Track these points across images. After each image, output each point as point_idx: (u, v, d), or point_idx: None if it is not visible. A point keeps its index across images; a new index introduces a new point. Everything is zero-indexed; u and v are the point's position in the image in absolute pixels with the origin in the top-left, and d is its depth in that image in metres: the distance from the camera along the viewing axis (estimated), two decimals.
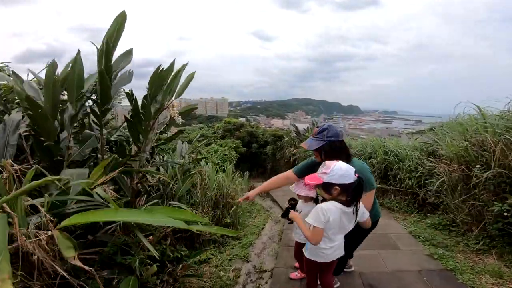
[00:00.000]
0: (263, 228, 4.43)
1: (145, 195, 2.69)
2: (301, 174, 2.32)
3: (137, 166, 2.85)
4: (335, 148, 2.11)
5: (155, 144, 3.52)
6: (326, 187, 1.82)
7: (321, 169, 1.84)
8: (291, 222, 2.24)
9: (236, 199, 4.88)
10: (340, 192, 1.80)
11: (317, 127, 2.19)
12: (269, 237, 4.03)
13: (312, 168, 2.19)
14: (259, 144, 12.76)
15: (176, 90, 2.94)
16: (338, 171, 1.77)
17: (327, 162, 1.83)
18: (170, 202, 2.19)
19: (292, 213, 2.10)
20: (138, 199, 2.56)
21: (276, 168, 10.92)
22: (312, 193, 2.28)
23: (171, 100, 2.91)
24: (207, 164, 5.01)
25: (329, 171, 1.78)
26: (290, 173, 2.41)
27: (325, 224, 1.81)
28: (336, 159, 1.89)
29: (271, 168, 11.63)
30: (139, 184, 2.62)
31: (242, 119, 20.21)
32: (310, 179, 1.90)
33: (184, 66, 3.35)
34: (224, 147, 10.87)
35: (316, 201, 2.33)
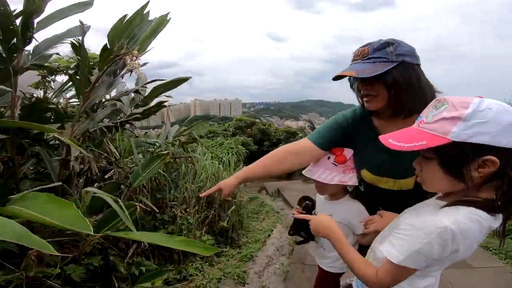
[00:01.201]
0: (269, 235, 3.42)
1: (84, 180, 1.80)
2: (328, 144, 1.23)
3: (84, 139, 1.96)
4: (416, 81, 1.00)
5: (128, 118, 2.64)
6: (458, 160, 0.71)
7: (436, 111, 0.73)
8: (305, 241, 1.32)
9: (238, 196, 3.93)
10: (492, 174, 0.70)
11: (365, 46, 1.03)
12: (277, 248, 3.03)
13: (351, 130, 1.19)
14: (271, 142, 12.00)
15: (140, 38, 2.05)
16: (500, 115, 0.67)
17: (452, 98, 0.72)
18: (87, 188, 1.29)
19: (321, 223, 1.00)
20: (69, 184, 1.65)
21: None
22: (352, 179, 1.24)
23: (133, 48, 2.01)
24: (205, 155, 4.09)
25: (471, 112, 0.67)
26: (306, 142, 1.23)
27: (431, 262, 0.76)
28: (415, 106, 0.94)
29: None
30: (72, 164, 1.71)
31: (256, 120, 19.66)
32: (397, 138, 0.76)
33: (164, 18, 2.45)
34: (231, 141, 10.05)
35: (358, 194, 1.33)
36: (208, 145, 8.32)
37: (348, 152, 1.24)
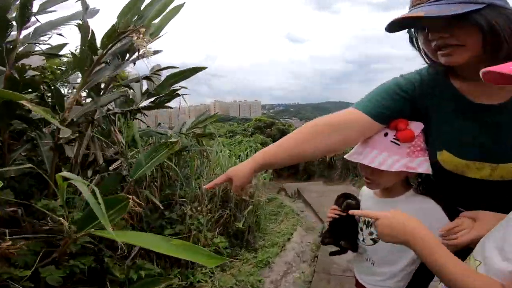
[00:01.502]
0: (289, 239, 3.12)
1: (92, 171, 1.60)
2: (386, 114, 0.86)
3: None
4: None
5: (138, 107, 2.45)
6: None
7: None
8: (341, 250, 1.03)
9: (256, 196, 3.67)
10: None
11: None
12: (297, 254, 2.73)
13: (420, 98, 0.85)
14: None
15: (148, 17, 1.85)
16: None
17: None
18: (62, 173, 1.08)
19: (398, 224, 0.68)
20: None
21: (309, 169, 9.67)
22: (422, 165, 0.87)
23: (140, 26, 1.82)
24: (221, 152, 3.85)
25: None
26: (353, 112, 0.87)
27: None
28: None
29: (303, 169, 10.40)
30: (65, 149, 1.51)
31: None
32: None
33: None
34: (250, 139, 9.86)
35: (427, 188, 0.95)
36: (226, 143, 8.16)
37: (417, 127, 0.87)
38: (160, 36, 2.52)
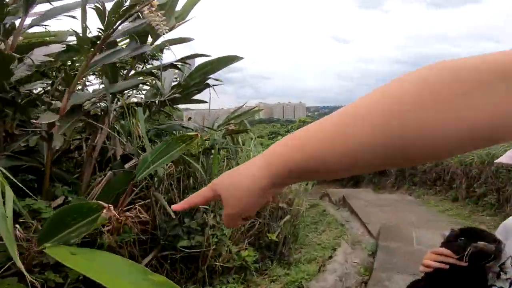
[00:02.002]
0: (330, 256, 2.65)
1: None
2: None
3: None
4: None
5: (164, 98, 2.21)
6: None
7: None
8: None
9: (296, 204, 3.24)
10: None
11: None
12: (339, 278, 2.24)
13: None
14: None
15: None
16: None
17: None
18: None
19: None
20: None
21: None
22: None
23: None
24: (259, 152, 3.51)
25: None
26: None
27: None
28: None
29: None
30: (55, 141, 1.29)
31: None
32: None
33: None
34: None
35: None
36: (266, 144, 7.83)
37: None
38: (186, 21, 2.28)
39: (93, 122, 1.66)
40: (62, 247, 0.74)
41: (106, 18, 1.57)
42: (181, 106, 3.09)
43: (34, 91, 1.62)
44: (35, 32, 1.93)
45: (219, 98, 2.58)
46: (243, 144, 3.43)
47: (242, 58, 1.96)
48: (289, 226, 2.99)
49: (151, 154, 1.38)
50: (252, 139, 3.69)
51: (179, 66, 1.99)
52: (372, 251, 2.83)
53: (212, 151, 2.56)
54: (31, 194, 1.21)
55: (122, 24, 1.52)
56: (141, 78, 2.01)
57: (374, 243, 3.01)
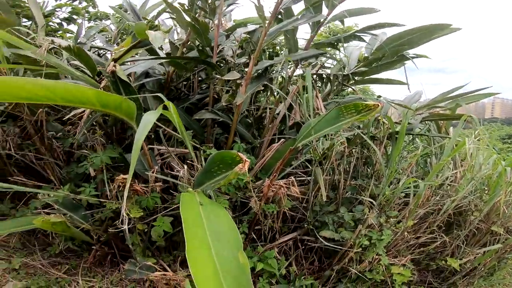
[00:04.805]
0: None
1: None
2: None
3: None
4: None
5: (349, 72, 2.03)
6: None
7: None
8: None
9: None
10: None
11: None
12: None
13: None
14: None
15: None
16: None
17: None
18: None
19: None
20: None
21: None
22: None
23: None
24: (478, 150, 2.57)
25: None
26: None
27: None
28: None
29: None
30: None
31: None
32: None
33: None
34: None
35: None
36: (500, 148, 5.75)
37: None
38: None
39: (277, 89, 1.85)
40: (200, 194, 0.92)
41: None
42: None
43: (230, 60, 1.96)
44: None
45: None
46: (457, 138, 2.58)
47: (458, 29, 1.44)
48: (494, 256, 2.15)
49: (315, 120, 1.34)
50: (473, 135, 2.73)
51: (364, 38, 1.74)
52: None
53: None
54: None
55: None
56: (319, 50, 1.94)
57: None
